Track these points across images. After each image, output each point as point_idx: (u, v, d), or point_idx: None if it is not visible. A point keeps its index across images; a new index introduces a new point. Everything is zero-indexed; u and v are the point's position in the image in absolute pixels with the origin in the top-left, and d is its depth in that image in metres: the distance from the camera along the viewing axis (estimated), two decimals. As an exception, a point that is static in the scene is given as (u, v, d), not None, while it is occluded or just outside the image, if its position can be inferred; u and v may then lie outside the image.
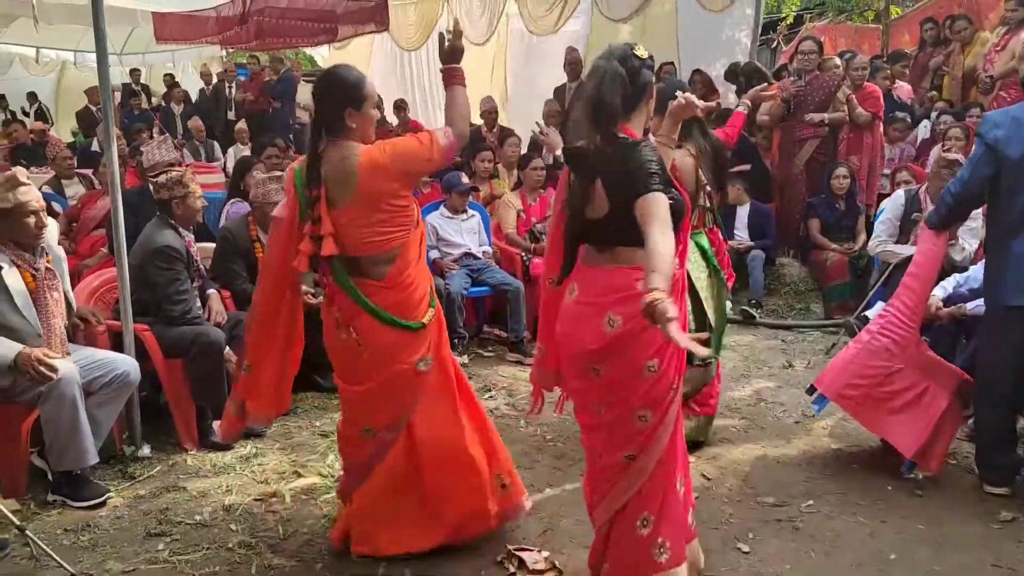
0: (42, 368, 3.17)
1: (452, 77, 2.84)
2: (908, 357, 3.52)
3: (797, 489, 3.47)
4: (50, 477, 3.41)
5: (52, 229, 3.55)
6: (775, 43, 12.28)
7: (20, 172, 3.41)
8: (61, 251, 3.69)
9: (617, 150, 2.33)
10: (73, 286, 3.96)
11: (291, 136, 9.74)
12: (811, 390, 3.87)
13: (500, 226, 6.05)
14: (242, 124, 9.54)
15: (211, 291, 4.24)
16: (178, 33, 6.78)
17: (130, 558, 2.97)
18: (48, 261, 3.48)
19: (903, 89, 8.04)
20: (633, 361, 2.36)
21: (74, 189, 6.85)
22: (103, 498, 3.38)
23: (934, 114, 7.38)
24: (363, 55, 10.79)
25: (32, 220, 3.33)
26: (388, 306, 2.77)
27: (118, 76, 12.07)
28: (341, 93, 2.74)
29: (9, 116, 13.12)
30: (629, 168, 2.28)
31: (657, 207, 2.21)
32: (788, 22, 12.73)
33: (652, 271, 2.10)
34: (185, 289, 3.96)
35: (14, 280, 3.33)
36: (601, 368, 2.38)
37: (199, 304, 4.09)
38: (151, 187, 4.10)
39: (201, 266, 4.21)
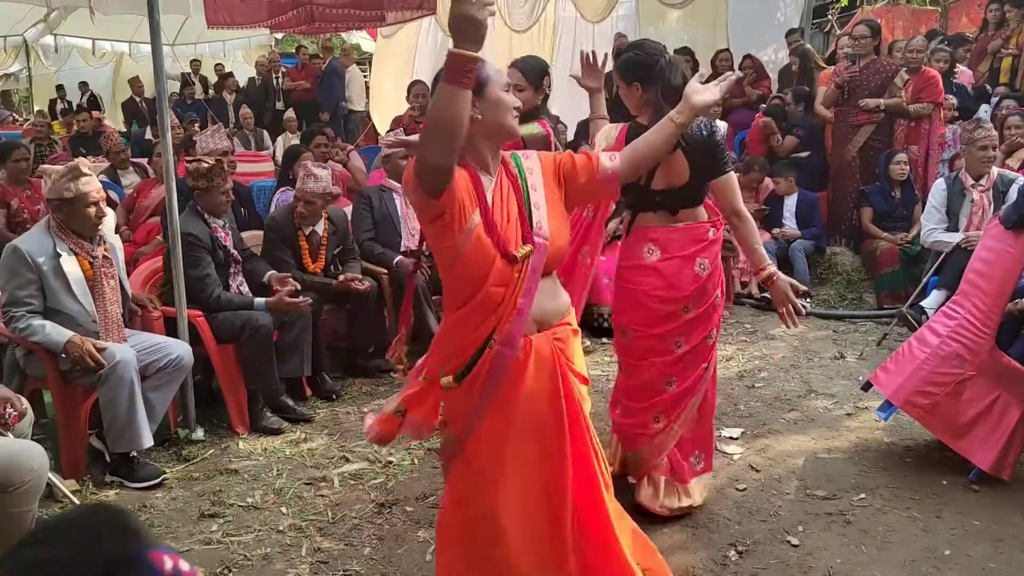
0: (88, 360, 3.27)
1: None
2: (980, 363, 3.38)
3: (848, 482, 3.41)
4: (107, 458, 3.50)
5: (109, 219, 3.63)
6: (828, 26, 11.97)
7: (83, 163, 3.49)
8: (118, 240, 3.77)
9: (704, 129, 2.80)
10: (129, 273, 4.06)
11: (340, 125, 9.86)
12: (866, 386, 3.78)
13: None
14: (291, 113, 9.63)
15: (271, 273, 4.29)
16: (229, 17, 6.81)
17: (184, 538, 3.05)
18: (105, 249, 3.56)
19: (964, 75, 7.76)
20: (710, 295, 2.92)
21: (129, 178, 6.99)
22: (158, 479, 3.47)
23: (994, 99, 7.13)
24: (410, 43, 10.80)
25: (92, 210, 3.42)
26: None
27: (173, 67, 12.30)
28: None
29: (66, 106, 13.47)
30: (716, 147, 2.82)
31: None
32: (842, 4, 12.39)
33: (756, 245, 2.83)
34: (207, 274, 4.01)
35: (72, 267, 3.43)
36: (692, 307, 2.89)
37: (225, 288, 4.09)
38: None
39: (233, 250, 4.22)
